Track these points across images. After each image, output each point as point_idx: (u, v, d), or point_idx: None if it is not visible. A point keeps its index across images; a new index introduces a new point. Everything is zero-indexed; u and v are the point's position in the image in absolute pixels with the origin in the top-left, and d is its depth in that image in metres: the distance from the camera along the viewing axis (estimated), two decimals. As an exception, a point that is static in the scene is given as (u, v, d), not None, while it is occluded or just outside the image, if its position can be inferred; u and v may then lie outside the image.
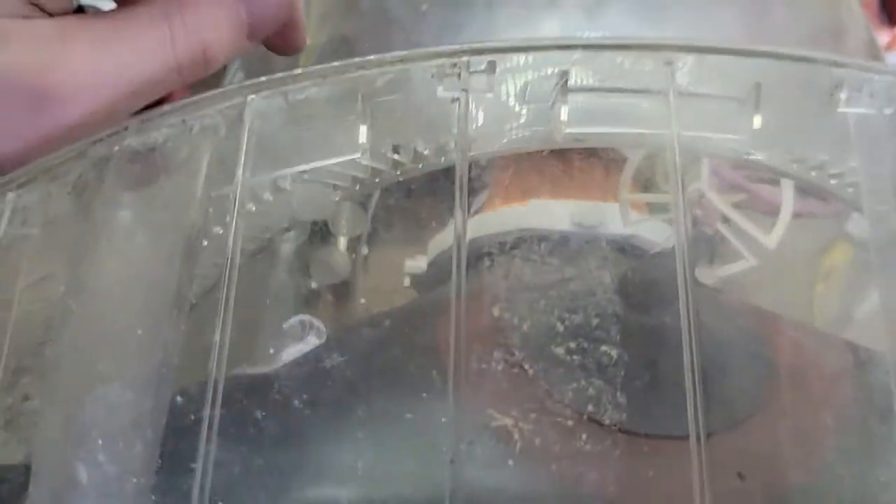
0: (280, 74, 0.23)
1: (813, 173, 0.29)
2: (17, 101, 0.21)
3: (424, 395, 0.20)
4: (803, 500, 0.23)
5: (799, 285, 0.35)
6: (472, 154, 0.27)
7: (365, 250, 0.34)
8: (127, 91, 0.23)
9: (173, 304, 0.22)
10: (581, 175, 0.37)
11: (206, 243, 0.24)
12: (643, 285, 0.26)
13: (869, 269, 0.31)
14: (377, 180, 0.29)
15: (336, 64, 0.23)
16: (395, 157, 0.28)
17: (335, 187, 0.29)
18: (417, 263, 0.34)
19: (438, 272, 0.32)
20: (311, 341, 0.27)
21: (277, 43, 0.27)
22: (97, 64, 0.22)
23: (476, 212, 0.36)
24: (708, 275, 0.31)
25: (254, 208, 0.28)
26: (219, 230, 0.25)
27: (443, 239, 0.33)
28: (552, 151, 0.34)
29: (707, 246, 0.31)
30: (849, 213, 0.36)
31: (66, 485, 0.19)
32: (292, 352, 0.27)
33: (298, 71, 0.23)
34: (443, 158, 0.28)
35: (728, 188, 0.36)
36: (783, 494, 0.22)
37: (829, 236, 0.38)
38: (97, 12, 0.25)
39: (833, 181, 0.29)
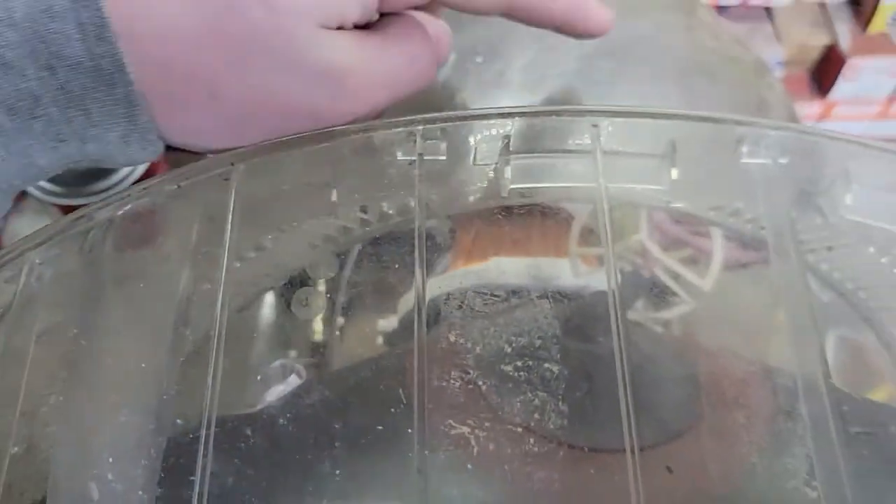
0: (260, 144, 0.27)
1: (730, 219, 0.33)
2: (323, 91, 0.26)
3: (393, 410, 0.23)
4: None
5: (755, 329, 0.39)
6: (430, 219, 0.31)
7: (341, 320, 0.38)
8: (399, 92, 0.28)
9: (171, 346, 0.25)
10: (536, 234, 0.41)
11: (196, 296, 0.28)
12: (583, 317, 0.29)
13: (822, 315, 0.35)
14: (348, 238, 0.33)
15: (307, 134, 0.27)
16: (363, 216, 0.32)
17: (311, 245, 0.33)
18: (389, 322, 0.38)
19: (407, 329, 0.36)
20: (293, 381, 0.30)
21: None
22: (381, 67, 0.28)
23: (443, 271, 0.40)
24: (653, 317, 0.35)
25: (238, 265, 0.31)
26: (207, 285, 0.29)
27: (410, 298, 0.37)
28: (509, 213, 0.38)
29: (646, 289, 0.35)
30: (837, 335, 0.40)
31: (81, 501, 0.21)
32: (276, 391, 0.30)
33: (276, 141, 0.27)
34: (405, 217, 0.32)
35: (669, 241, 0.41)
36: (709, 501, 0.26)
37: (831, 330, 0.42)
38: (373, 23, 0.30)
39: (748, 225, 0.33)
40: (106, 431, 0.22)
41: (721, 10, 0.86)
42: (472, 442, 0.23)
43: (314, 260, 0.34)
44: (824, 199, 0.31)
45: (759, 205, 0.32)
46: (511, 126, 0.29)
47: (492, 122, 0.29)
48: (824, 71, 0.88)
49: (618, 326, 0.26)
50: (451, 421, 0.23)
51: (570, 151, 0.29)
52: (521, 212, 0.39)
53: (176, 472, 0.23)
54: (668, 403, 0.27)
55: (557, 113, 0.28)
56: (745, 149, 0.29)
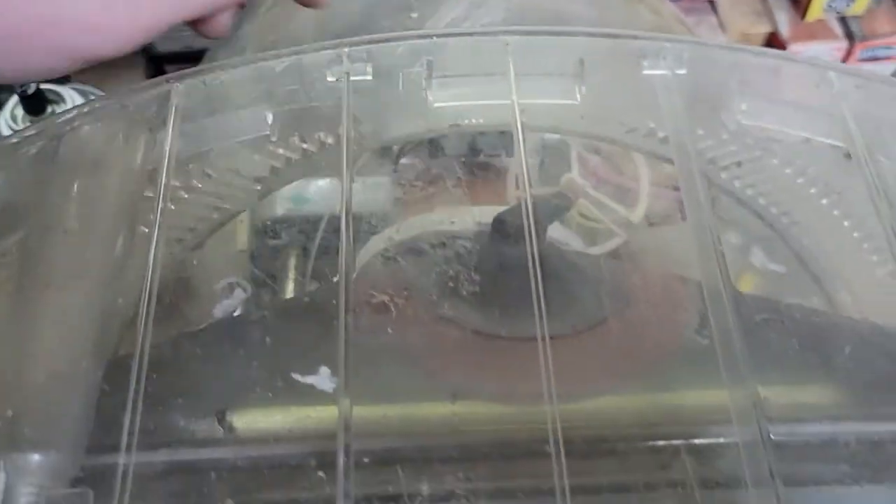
0: (199, 67, 0.29)
1: (644, 140, 0.35)
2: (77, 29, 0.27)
3: (322, 284, 0.25)
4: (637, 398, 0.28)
5: (664, 242, 0.41)
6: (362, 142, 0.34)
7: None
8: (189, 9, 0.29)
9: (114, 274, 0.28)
10: (480, 183, 0.43)
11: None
12: (505, 227, 0.31)
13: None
14: (292, 169, 0.35)
15: (244, 57, 0.30)
16: (304, 145, 0.34)
17: (256, 180, 0.35)
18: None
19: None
20: (239, 295, 0.32)
21: None
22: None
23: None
24: (573, 236, 0.37)
25: (186, 195, 0.34)
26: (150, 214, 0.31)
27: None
28: (452, 166, 0.41)
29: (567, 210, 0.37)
30: (750, 247, 0.42)
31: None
32: (224, 306, 0.32)
33: (214, 64, 0.30)
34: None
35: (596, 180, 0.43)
36: (619, 391, 0.28)
37: (737, 268, 0.44)
38: None
39: (662, 146, 0.35)
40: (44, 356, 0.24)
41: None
42: (391, 308, 0.25)
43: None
44: (724, 111, 0.33)
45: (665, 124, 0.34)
46: (432, 49, 0.32)
47: (415, 43, 0.31)
48: (768, 58, 0.92)
49: (530, 228, 0.28)
50: (372, 291, 0.25)
51: (487, 74, 0.32)
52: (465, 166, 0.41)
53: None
54: (579, 302, 0.30)
55: (471, 34, 0.31)
56: (645, 62, 0.32)
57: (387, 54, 0.31)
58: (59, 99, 0.61)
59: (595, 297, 0.31)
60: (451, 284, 0.26)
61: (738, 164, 0.36)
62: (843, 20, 0.89)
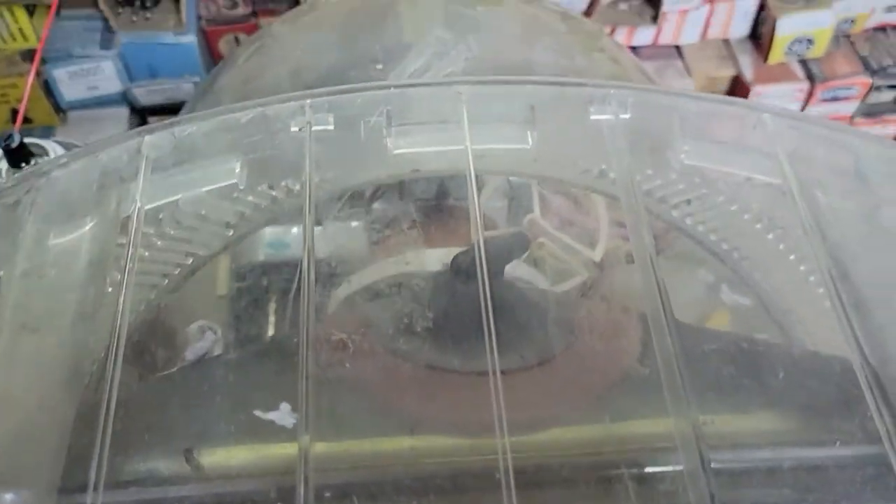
0: (169, 119, 0.31)
1: (597, 181, 0.37)
2: None
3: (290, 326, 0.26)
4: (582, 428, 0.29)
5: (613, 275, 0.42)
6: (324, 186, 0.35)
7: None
8: None
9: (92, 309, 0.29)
10: (447, 226, 0.45)
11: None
12: (458, 262, 0.33)
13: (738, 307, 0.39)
14: (260, 215, 0.36)
15: (212, 110, 0.31)
16: (272, 192, 0.36)
17: (227, 225, 0.37)
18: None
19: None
20: (210, 337, 0.33)
21: None
22: None
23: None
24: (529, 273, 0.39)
25: (159, 243, 0.35)
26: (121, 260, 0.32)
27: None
28: (419, 210, 0.43)
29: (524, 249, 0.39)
30: (720, 285, 0.44)
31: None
32: (195, 349, 0.33)
33: (184, 117, 0.31)
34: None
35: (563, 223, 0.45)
36: (568, 421, 0.29)
37: (709, 306, 0.46)
38: None
39: (613, 185, 0.37)
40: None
41: (634, 49, 0.93)
42: (350, 345, 0.26)
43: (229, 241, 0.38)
44: (669, 152, 0.35)
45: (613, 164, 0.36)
46: (391, 99, 0.33)
47: (374, 94, 0.33)
48: (734, 100, 0.95)
49: (482, 267, 0.30)
50: (332, 330, 0.26)
51: (443, 122, 0.34)
52: (431, 207, 0.43)
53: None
54: (531, 336, 0.31)
55: (427, 84, 0.33)
56: (592, 108, 0.34)
57: (348, 105, 0.33)
58: (43, 152, 0.63)
59: (546, 332, 0.33)
60: (406, 322, 0.28)
61: (688, 201, 0.38)
62: (803, 63, 0.93)
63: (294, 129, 0.33)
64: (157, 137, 0.31)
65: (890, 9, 0.93)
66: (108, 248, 0.30)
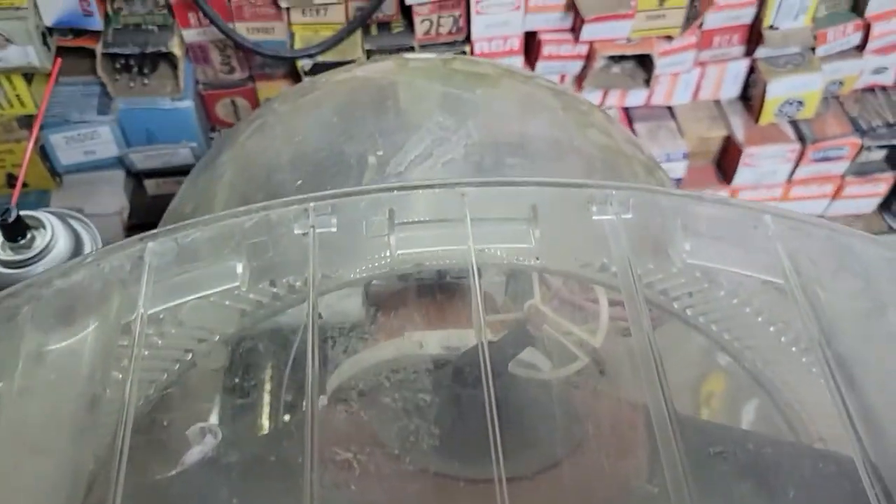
0: (171, 226, 0.31)
1: (599, 274, 0.37)
2: None
3: (286, 443, 0.26)
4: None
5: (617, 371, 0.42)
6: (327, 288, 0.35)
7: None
8: None
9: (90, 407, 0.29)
10: (445, 307, 0.45)
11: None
12: (463, 367, 0.33)
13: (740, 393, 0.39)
14: (262, 311, 0.36)
15: (216, 214, 0.31)
16: (274, 290, 0.36)
17: (229, 324, 0.36)
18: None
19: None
20: (210, 441, 0.33)
21: None
22: None
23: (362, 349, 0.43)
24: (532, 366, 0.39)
25: (160, 342, 0.35)
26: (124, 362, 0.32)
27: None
28: (420, 288, 0.43)
29: (530, 342, 0.39)
30: (716, 350, 0.44)
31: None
32: (194, 452, 0.33)
33: (188, 222, 0.31)
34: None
35: (564, 305, 0.45)
36: None
37: (706, 368, 0.46)
38: None
39: (615, 277, 0.37)
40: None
41: (626, 110, 0.94)
42: (355, 465, 0.26)
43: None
44: (671, 249, 0.35)
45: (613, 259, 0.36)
46: (393, 200, 0.34)
47: (377, 197, 0.33)
48: (726, 160, 0.96)
49: (486, 367, 0.29)
50: (336, 448, 0.26)
51: (444, 220, 0.34)
52: (433, 286, 0.43)
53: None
54: (537, 441, 0.31)
55: (430, 186, 0.33)
56: (594, 208, 0.34)
57: (351, 207, 0.33)
58: (39, 224, 0.63)
59: (552, 436, 0.32)
60: (412, 437, 0.27)
61: (690, 294, 0.38)
62: (794, 123, 0.94)
63: (298, 231, 0.33)
64: (160, 244, 0.31)
65: (877, 70, 0.94)
66: (108, 354, 0.30)
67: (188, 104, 0.80)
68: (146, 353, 0.34)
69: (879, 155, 0.98)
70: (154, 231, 0.31)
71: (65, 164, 0.81)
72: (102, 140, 0.80)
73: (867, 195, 0.99)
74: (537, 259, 0.35)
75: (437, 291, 0.45)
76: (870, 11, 0.86)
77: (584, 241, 0.35)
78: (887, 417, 0.31)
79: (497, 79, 0.60)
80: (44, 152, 0.80)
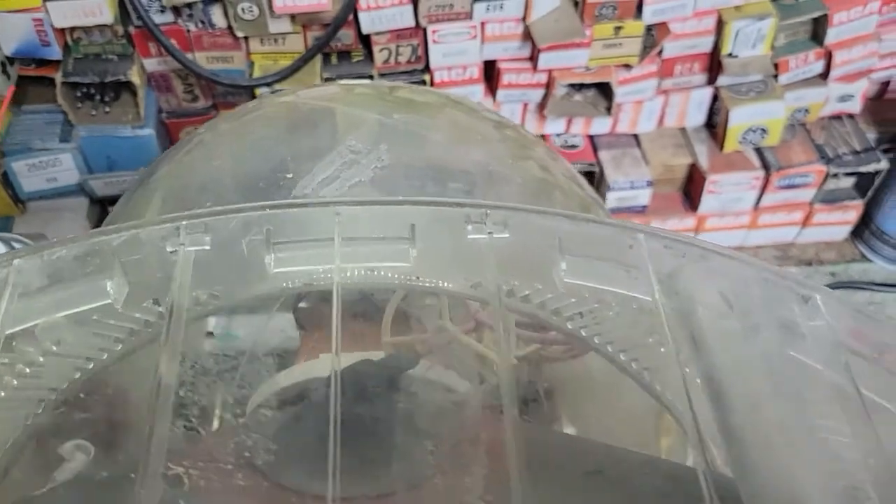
0: (39, 244, 0.31)
1: (473, 292, 0.37)
2: None
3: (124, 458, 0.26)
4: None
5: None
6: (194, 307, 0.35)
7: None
8: None
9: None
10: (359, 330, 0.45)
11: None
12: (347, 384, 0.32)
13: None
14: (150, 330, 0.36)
15: (82, 234, 0.32)
16: (159, 308, 0.36)
17: (116, 340, 0.36)
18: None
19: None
20: (80, 458, 0.33)
21: None
22: None
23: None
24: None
25: (27, 370, 0.35)
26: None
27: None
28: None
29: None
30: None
31: None
32: (66, 469, 0.33)
33: (54, 240, 0.32)
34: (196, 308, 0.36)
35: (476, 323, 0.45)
36: None
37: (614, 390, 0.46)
38: None
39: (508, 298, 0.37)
40: None
41: (592, 138, 0.95)
42: (185, 480, 0.26)
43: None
44: (553, 268, 0.35)
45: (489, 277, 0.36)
46: (270, 219, 0.34)
47: (249, 215, 0.33)
48: (692, 188, 0.96)
49: (336, 389, 0.29)
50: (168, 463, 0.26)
51: (318, 240, 0.34)
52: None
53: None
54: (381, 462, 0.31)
55: (304, 205, 0.33)
56: (470, 227, 0.34)
57: (224, 226, 0.33)
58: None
59: (401, 458, 0.32)
60: (247, 454, 0.27)
61: (581, 314, 0.38)
62: (759, 151, 0.94)
63: (169, 249, 0.33)
64: (26, 262, 0.31)
65: (843, 98, 0.94)
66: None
67: (149, 132, 0.81)
68: (27, 370, 0.34)
69: (848, 182, 0.97)
70: (21, 249, 0.31)
71: (27, 191, 0.83)
72: (64, 167, 0.81)
73: (837, 223, 0.99)
74: (417, 277, 0.35)
75: (359, 315, 0.45)
76: (829, 40, 0.86)
77: (459, 260, 0.35)
78: (750, 435, 0.30)
79: (439, 108, 0.61)
80: (6, 179, 0.82)
